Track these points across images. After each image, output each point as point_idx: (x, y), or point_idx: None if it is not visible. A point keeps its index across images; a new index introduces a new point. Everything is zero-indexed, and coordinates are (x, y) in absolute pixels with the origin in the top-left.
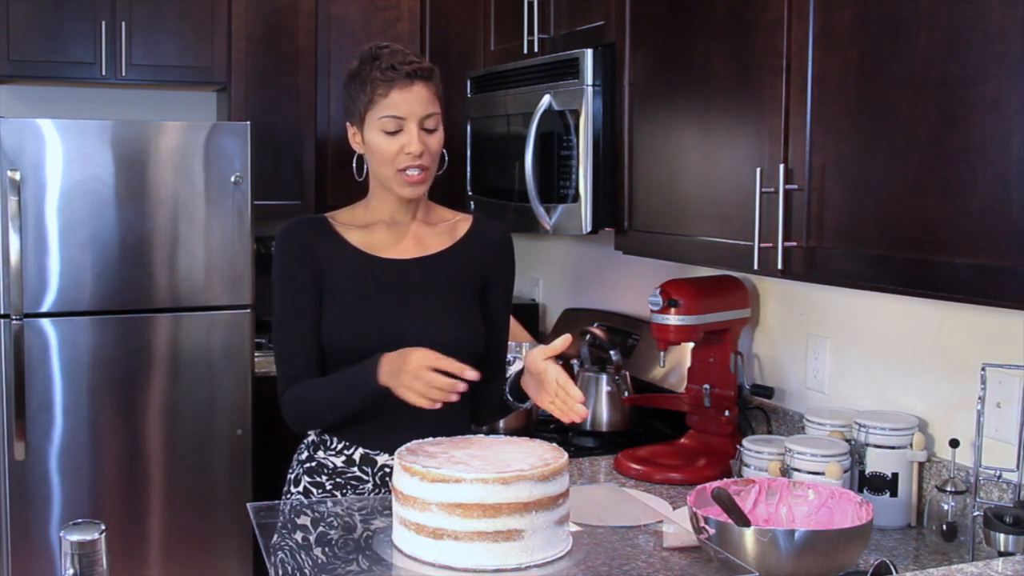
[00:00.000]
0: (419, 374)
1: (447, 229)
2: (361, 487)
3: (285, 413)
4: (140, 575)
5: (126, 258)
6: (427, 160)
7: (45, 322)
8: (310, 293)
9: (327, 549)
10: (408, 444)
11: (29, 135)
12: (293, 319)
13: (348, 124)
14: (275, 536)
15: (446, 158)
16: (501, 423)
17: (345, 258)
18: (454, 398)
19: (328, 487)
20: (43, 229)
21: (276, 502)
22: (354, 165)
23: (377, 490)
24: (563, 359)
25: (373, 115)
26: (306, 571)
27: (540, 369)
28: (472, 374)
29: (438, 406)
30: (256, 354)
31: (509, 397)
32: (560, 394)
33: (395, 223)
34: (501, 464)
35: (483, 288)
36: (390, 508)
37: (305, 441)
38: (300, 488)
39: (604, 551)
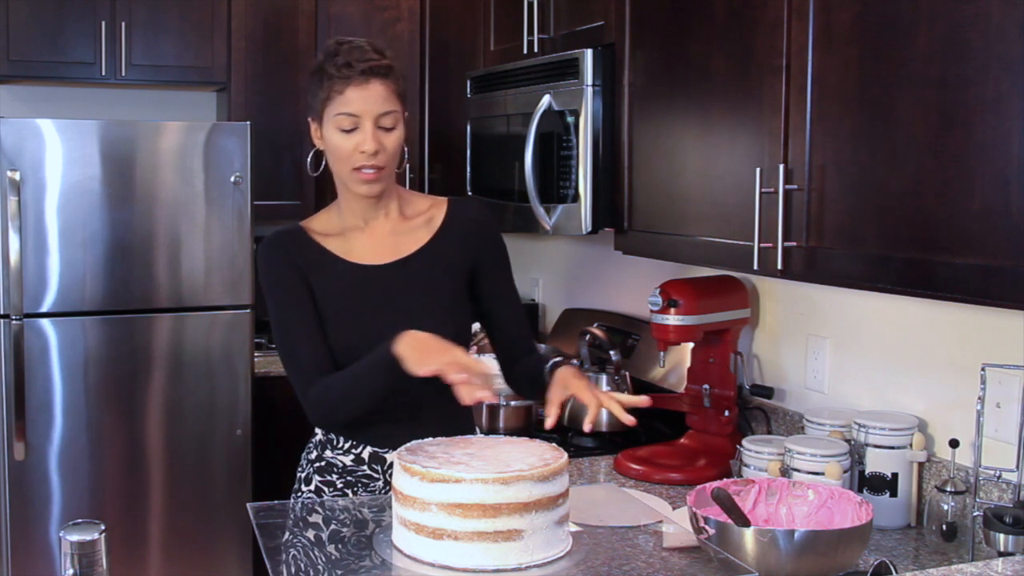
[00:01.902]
0: (457, 360)
1: (424, 222)
2: (372, 485)
3: (312, 413)
4: (140, 575)
5: (126, 258)
6: (382, 159)
7: (45, 322)
8: (306, 298)
9: (340, 546)
10: (408, 444)
11: (29, 135)
12: (296, 322)
13: (309, 120)
14: (286, 534)
15: (407, 155)
16: (501, 424)
17: (327, 268)
18: (479, 396)
19: (339, 486)
20: (43, 229)
21: (276, 502)
22: (309, 161)
23: (388, 488)
24: (564, 359)
25: (330, 112)
26: (319, 567)
27: (582, 398)
28: (484, 394)
29: (461, 378)
30: (256, 354)
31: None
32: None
33: (369, 226)
34: (501, 464)
35: (473, 275)
36: (377, 502)
37: (313, 440)
38: (312, 487)
39: (604, 551)
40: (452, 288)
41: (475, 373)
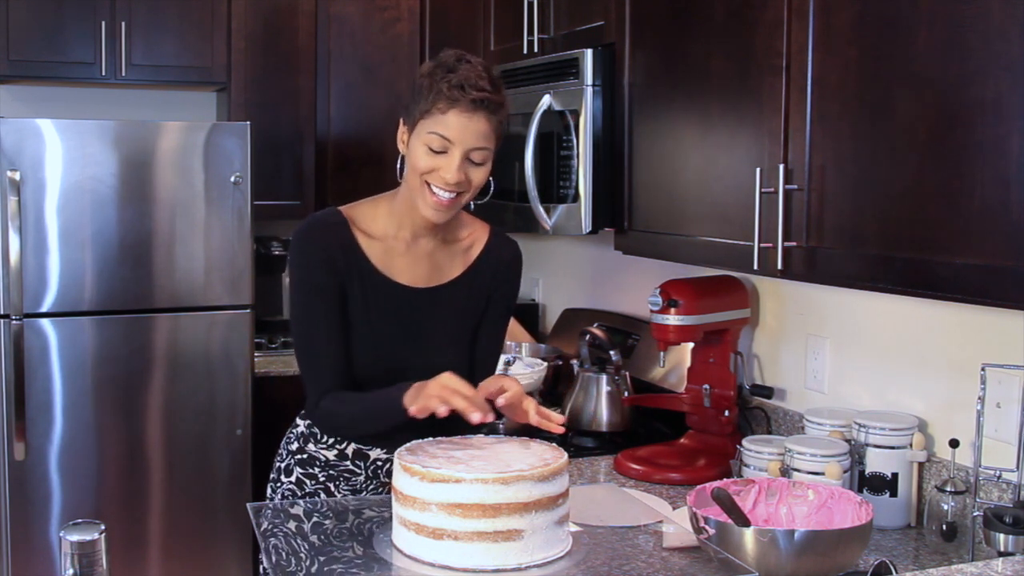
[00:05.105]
0: (442, 391)
1: (462, 250)
2: (354, 479)
3: (319, 424)
4: (140, 575)
5: (126, 258)
6: (461, 188)
7: (45, 322)
8: (337, 303)
9: (322, 536)
10: (408, 444)
11: (29, 135)
12: (321, 329)
13: (401, 120)
14: (265, 523)
15: (491, 187)
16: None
17: (364, 278)
18: (475, 418)
19: (321, 479)
20: (43, 229)
21: (275, 502)
22: (398, 166)
23: (369, 482)
24: (563, 359)
25: (424, 126)
26: (301, 555)
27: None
28: (476, 418)
29: (444, 412)
30: (256, 354)
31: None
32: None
33: (415, 242)
34: (501, 464)
35: (485, 305)
36: (383, 501)
37: (294, 432)
38: (292, 478)
39: (604, 551)
40: (471, 324)
41: (463, 398)
